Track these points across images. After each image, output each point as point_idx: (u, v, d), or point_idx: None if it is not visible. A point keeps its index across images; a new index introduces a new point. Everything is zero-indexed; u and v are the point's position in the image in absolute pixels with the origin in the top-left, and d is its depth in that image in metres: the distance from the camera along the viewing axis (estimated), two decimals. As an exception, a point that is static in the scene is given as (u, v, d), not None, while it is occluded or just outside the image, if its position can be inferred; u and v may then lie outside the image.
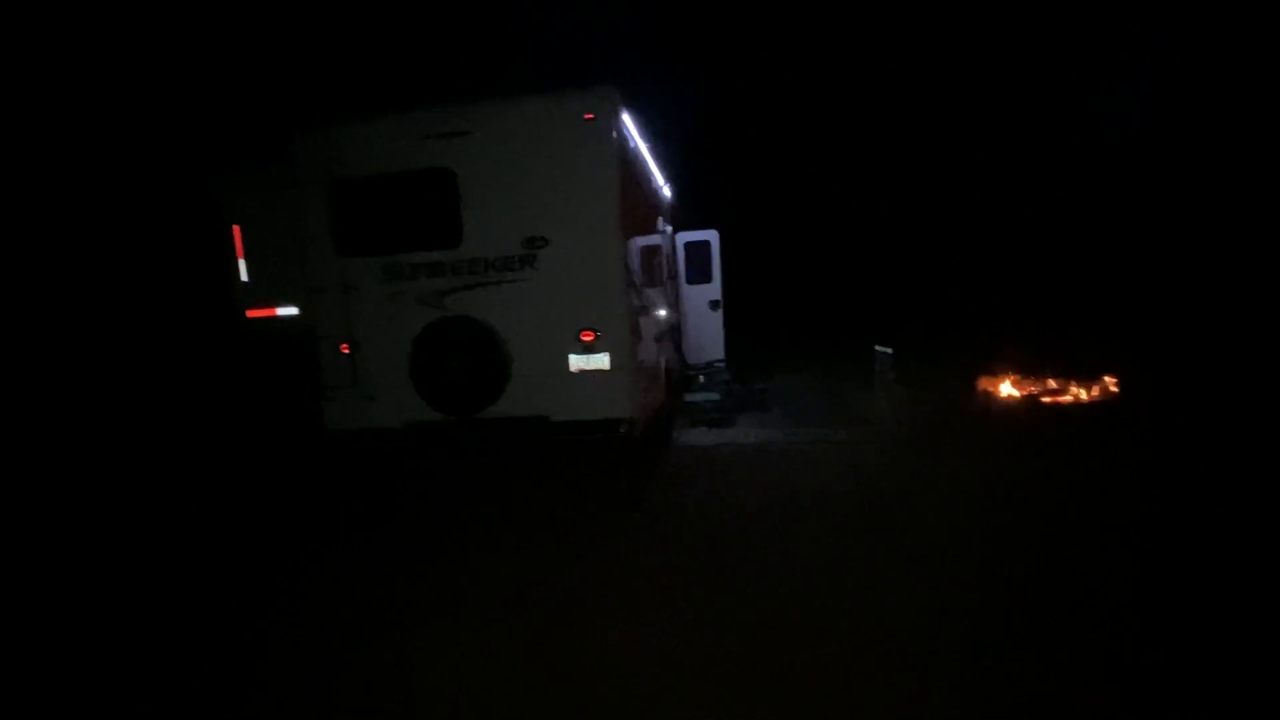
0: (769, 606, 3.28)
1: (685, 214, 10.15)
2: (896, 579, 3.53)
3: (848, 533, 4.25)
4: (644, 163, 6.69)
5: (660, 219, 8.06)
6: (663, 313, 7.38)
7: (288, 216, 5.46)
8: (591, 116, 4.91)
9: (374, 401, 5.39)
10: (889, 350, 8.33)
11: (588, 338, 5.13)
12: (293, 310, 5.60)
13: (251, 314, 5.78)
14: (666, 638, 3.01)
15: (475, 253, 5.18)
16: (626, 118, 5.39)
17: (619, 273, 5.12)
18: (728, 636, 2.99)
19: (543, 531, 4.66)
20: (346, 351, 5.39)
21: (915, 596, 3.28)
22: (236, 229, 5.71)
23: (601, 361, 5.12)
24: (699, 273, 9.98)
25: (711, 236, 10.02)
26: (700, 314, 9.83)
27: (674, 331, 8.65)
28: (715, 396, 7.98)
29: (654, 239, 7.36)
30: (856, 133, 19.70)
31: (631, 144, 5.84)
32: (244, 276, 5.76)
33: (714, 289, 9.96)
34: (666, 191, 8.76)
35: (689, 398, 8.00)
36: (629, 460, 6.00)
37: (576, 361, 5.14)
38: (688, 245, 9.93)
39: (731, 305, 10.26)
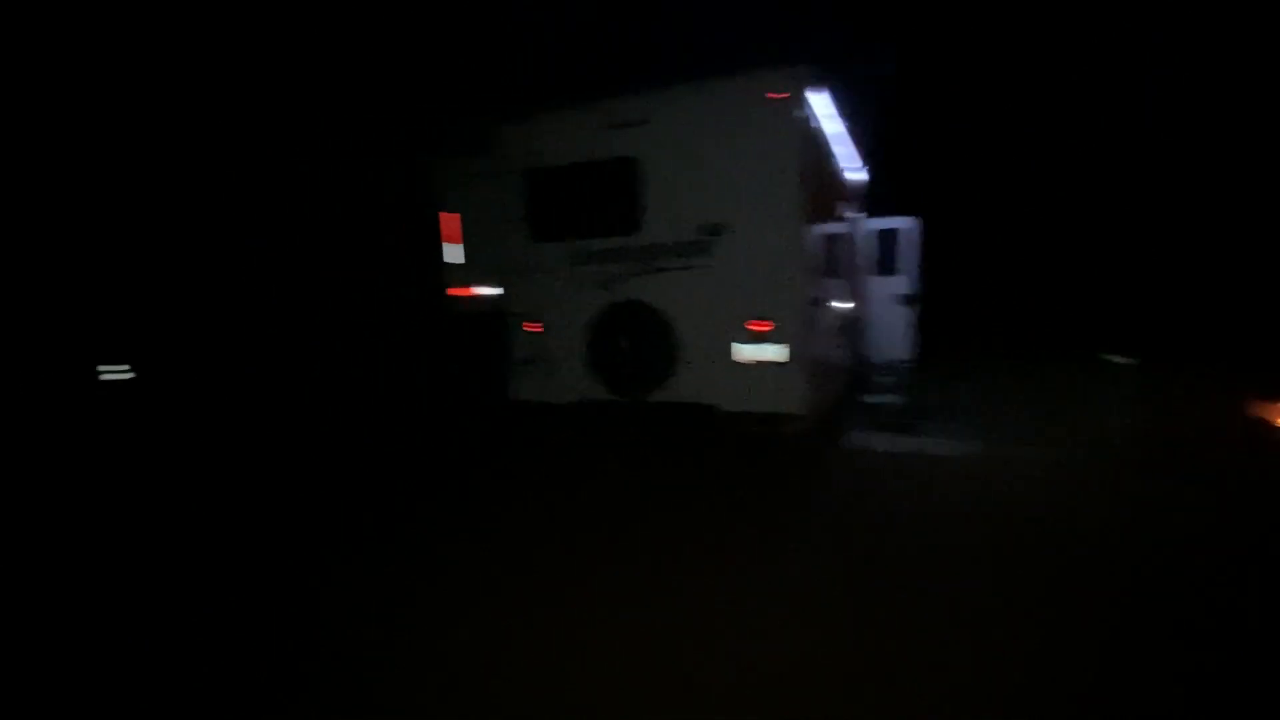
0: (933, 659, 2.84)
1: (881, 199, 9.39)
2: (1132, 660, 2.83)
3: (1054, 577, 3.58)
4: (833, 144, 6.28)
5: (848, 205, 7.53)
6: (843, 305, 6.90)
7: (490, 204, 6.01)
8: (778, 96, 4.68)
9: (554, 377, 5.77)
10: (1125, 359, 6.93)
11: (761, 328, 4.96)
12: (491, 290, 6.16)
13: (455, 293, 6.46)
14: (800, 664, 2.76)
15: (652, 239, 5.27)
16: (816, 96, 5.08)
17: (799, 262, 4.85)
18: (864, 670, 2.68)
19: (689, 519, 4.57)
20: (534, 330, 5.83)
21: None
22: (447, 216, 6.40)
23: (774, 353, 4.92)
24: (890, 264, 9.18)
25: (906, 224, 9.15)
26: (888, 308, 9.03)
27: (855, 326, 8.06)
28: (897, 399, 7.30)
29: (840, 226, 6.89)
30: (1092, 103, 16.46)
31: (820, 124, 5.50)
32: (452, 259, 6.45)
33: (906, 282, 9.09)
34: (859, 175, 8.15)
35: (868, 399, 7.40)
36: (793, 458, 5.72)
37: (747, 351, 5.00)
38: (878, 234, 9.18)
39: (929, 300, 9.29)
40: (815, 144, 5.39)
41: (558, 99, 5.76)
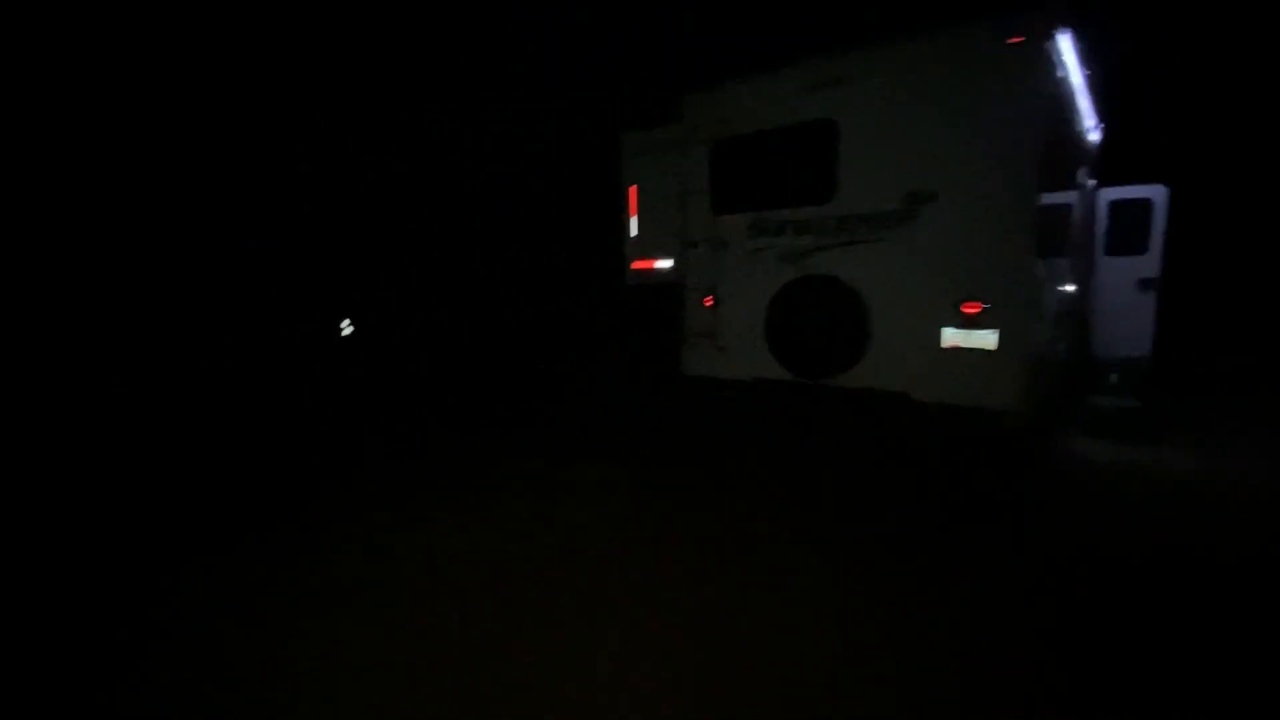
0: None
1: (1120, 162, 7.89)
2: None
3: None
4: (1073, 99, 5.33)
5: (1082, 171, 6.41)
6: (1068, 289, 5.91)
7: (673, 176, 5.97)
8: (1020, 40, 4.02)
9: (728, 353, 5.64)
10: None
11: (971, 310, 4.39)
12: (669, 263, 6.16)
13: (635, 265, 6.55)
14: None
15: (847, 209, 4.88)
16: (1063, 40, 4.30)
17: (1025, 236, 4.19)
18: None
19: (863, 515, 4.14)
20: (709, 304, 5.73)
21: None
22: (633, 187, 6.48)
23: (985, 339, 4.33)
24: (1127, 241, 7.70)
25: (1154, 194, 7.59)
26: (1122, 294, 7.62)
27: (1081, 314, 6.91)
28: (1129, 402, 6.14)
29: (1070, 196, 5.88)
30: None
31: (1063, 75, 4.67)
32: (634, 231, 6.54)
33: (1149, 263, 7.58)
34: (1094, 134, 6.90)
35: (1092, 399, 6.33)
36: (998, 462, 5.04)
37: (952, 336, 4.46)
38: (1114, 205, 7.74)
39: (1173, 286, 7.69)
40: (1057, 97, 4.61)
41: (750, 63, 5.50)
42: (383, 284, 10.72)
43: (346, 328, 10.30)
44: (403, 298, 10.69)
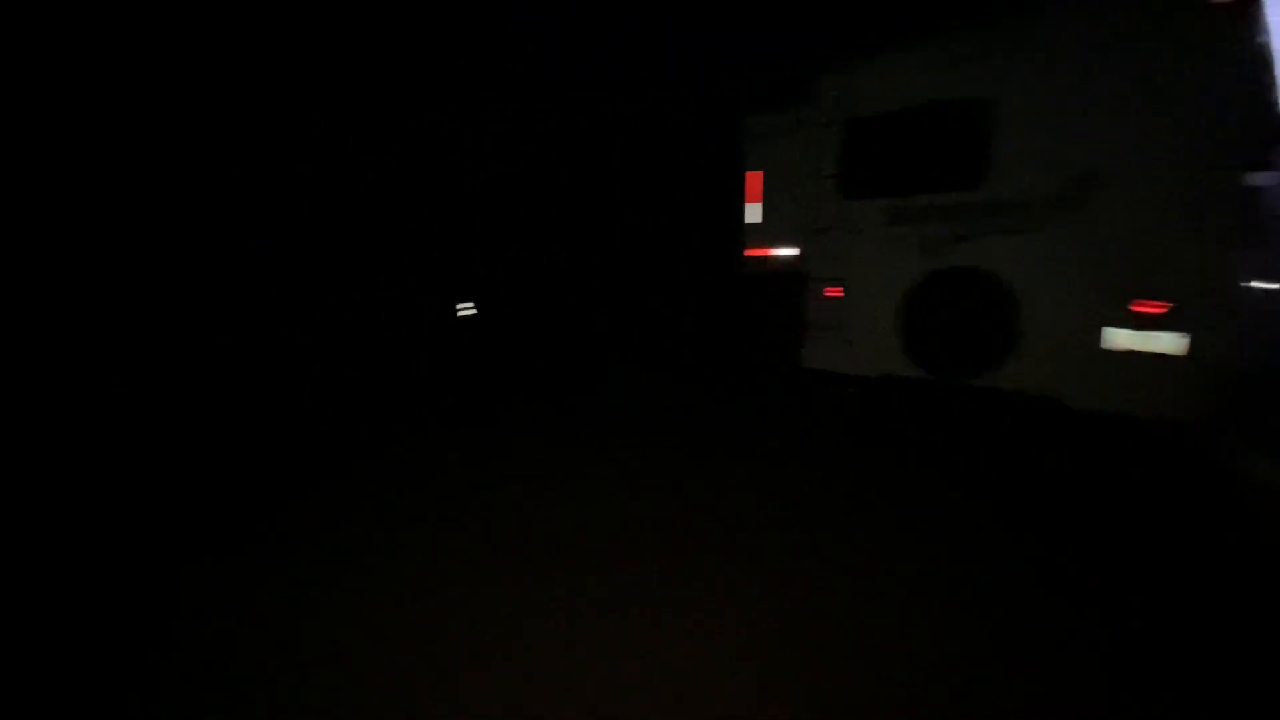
0: None
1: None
2: None
3: None
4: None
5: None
6: (1268, 285, 5.10)
7: (799, 160, 5.73)
8: (1227, 1, 3.46)
9: (855, 347, 5.37)
10: None
11: (1149, 309, 3.89)
12: (791, 251, 5.93)
13: (753, 253, 6.38)
14: None
15: (999, 194, 4.45)
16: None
17: (1222, 225, 3.64)
18: None
19: (1002, 545, 3.49)
20: (837, 295, 5.47)
21: None
22: (754, 172, 6.29)
23: (1168, 343, 3.82)
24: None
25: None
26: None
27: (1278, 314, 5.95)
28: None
29: (1269, 177, 5.06)
30: None
31: (1268, 40, 3.99)
32: (753, 218, 6.36)
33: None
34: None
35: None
36: (1176, 487, 4.42)
37: (1123, 338, 3.97)
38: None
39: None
40: (1264, 65, 3.94)
41: (888, 39, 5.14)
42: (508, 268, 11.17)
43: (466, 309, 10.85)
44: (526, 282, 11.10)
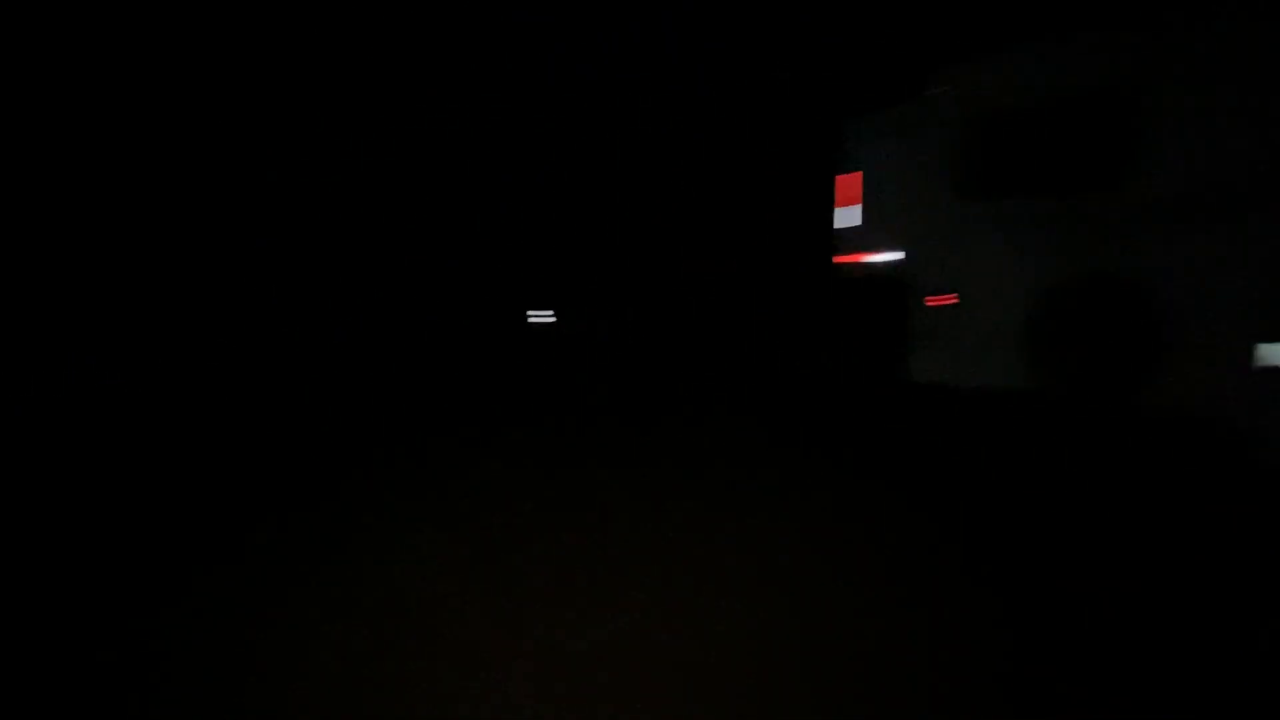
0: None
1: None
2: None
3: None
4: None
5: None
6: None
7: (908, 160, 5.45)
8: None
9: (971, 359, 5.04)
10: None
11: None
12: (898, 255, 5.65)
13: (853, 259, 6.11)
14: None
15: (1145, 195, 4.07)
16: None
17: None
18: None
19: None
20: (944, 302, 5.16)
21: None
22: (846, 177, 6.03)
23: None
24: None
25: None
26: None
27: None
28: None
29: None
30: None
31: None
32: (846, 222, 6.09)
33: None
34: None
35: None
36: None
37: (1294, 353, 3.55)
38: None
39: None
40: None
41: (1017, 32, 4.82)
42: (587, 276, 11.20)
43: (540, 316, 10.93)
44: (597, 289, 11.11)
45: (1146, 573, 2.71)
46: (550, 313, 10.71)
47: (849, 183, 6.21)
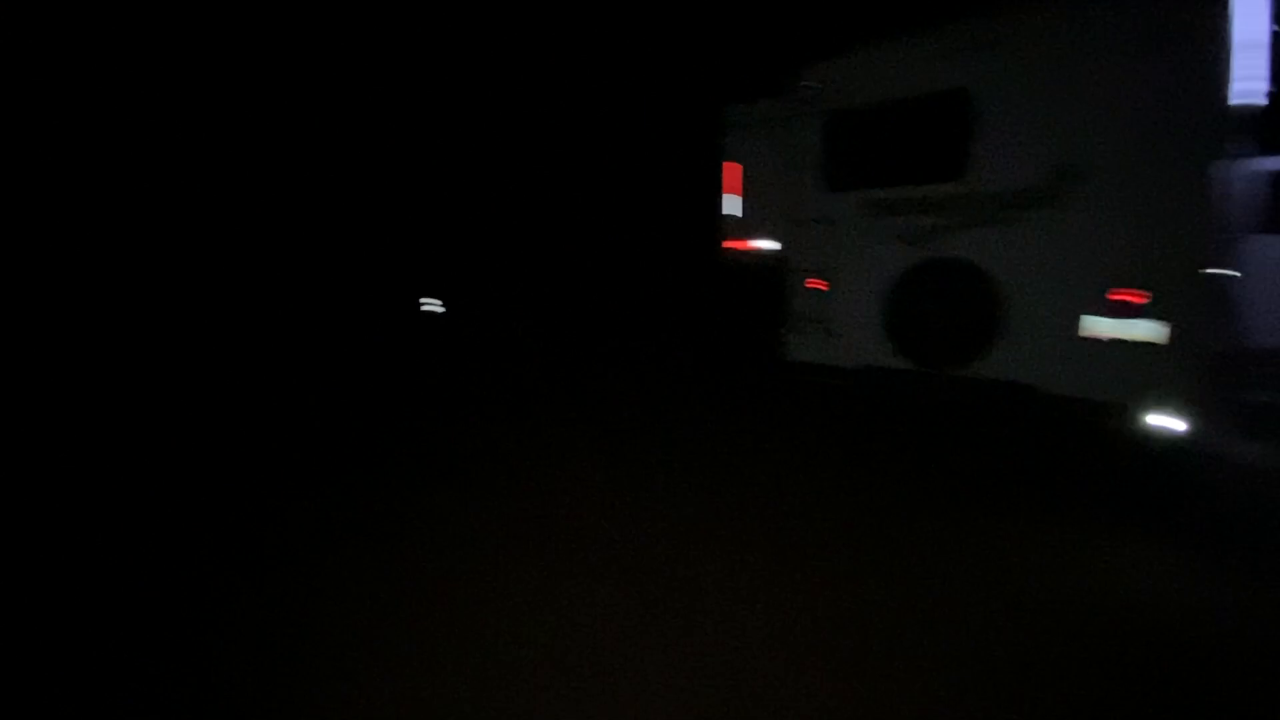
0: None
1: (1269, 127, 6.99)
2: None
3: None
4: (1256, 57, 4.71)
5: (1241, 140, 5.71)
6: (1232, 272, 5.31)
7: (780, 152, 5.68)
8: (1209, -11, 3.54)
9: (838, 339, 5.38)
10: None
11: (1129, 298, 3.98)
12: (771, 244, 5.91)
13: (732, 245, 6.33)
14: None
15: (982, 186, 4.50)
16: (1255, -15, 3.77)
17: (1201, 215, 3.74)
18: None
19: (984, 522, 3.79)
20: (819, 287, 5.47)
21: None
22: (730, 166, 6.22)
23: (1146, 331, 3.92)
24: (1282, 218, 6.86)
25: (1320, 164, 6.70)
26: (1275, 277, 6.82)
27: (1233, 298, 6.22)
28: (1289, 399, 5.49)
29: (1234, 167, 5.26)
30: None
31: (1246, 31, 4.12)
32: (731, 210, 6.30)
33: (1309, 242, 6.73)
34: (1257, 98, 6.11)
35: (1242, 395, 5.71)
36: (1142, 465, 4.59)
37: (1102, 326, 4.07)
38: (1274, 176, 6.89)
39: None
40: (1225, 61, 4.07)
41: (873, 30, 5.13)
42: (474, 266, 10.90)
43: (432, 305, 10.55)
44: (493, 281, 10.85)
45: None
46: (439, 302, 10.37)
47: (731, 172, 6.40)
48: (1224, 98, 3.75)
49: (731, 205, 6.42)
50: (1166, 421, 3.95)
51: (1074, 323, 4.18)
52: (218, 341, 8.42)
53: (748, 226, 6.23)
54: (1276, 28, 4.53)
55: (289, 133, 9.92)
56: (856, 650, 2.29)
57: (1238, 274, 5.50)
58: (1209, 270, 4.19)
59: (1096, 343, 4.11)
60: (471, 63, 10.80)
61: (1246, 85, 5.37)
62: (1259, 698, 2.31)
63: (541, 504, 3.42)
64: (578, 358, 8.40)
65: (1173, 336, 3.82)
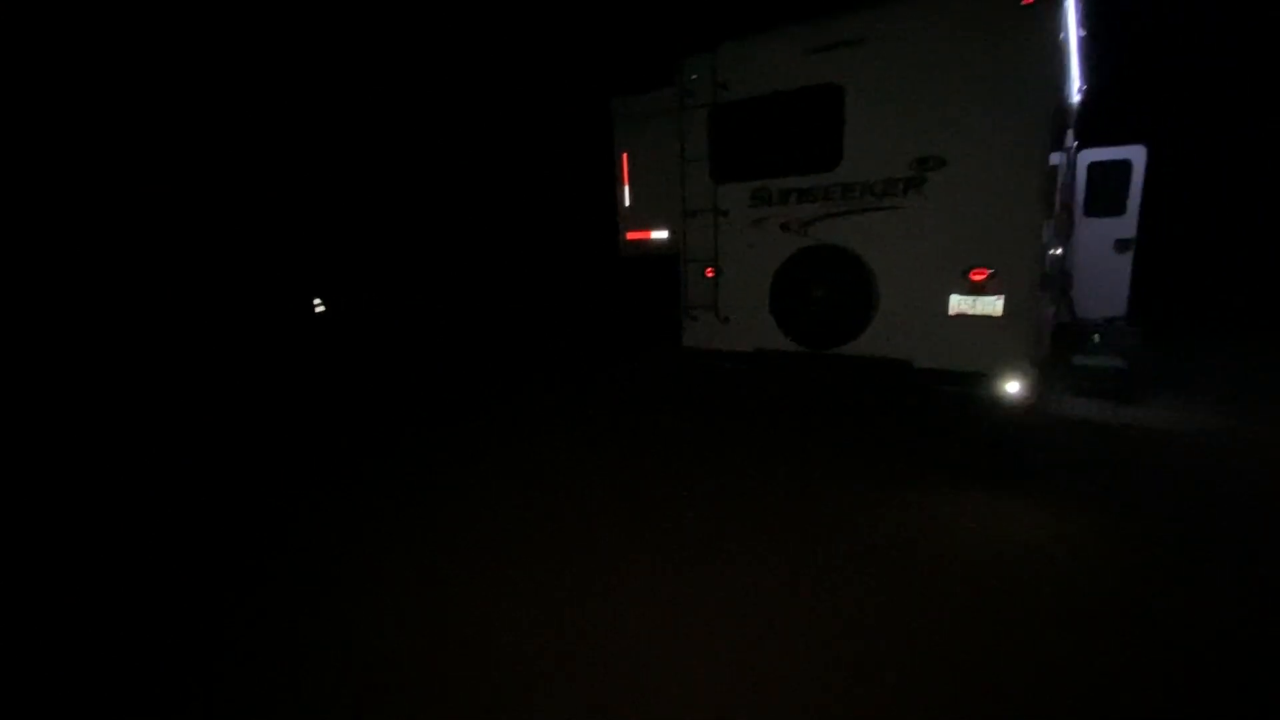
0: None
1: (1094, 123, 7.96)
2: None
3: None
4: (1069, 60, 5.31)
5: (1068, 132, 6.46)
6: (1057, 251, 6.01)
7: (669, 143, 5.78)
8: (1035, 1, 3.95)
9: (730, 325, 5.58)
10: None
11: (977, 277, 4.41)
12: (665, 234, 6.02)
13: (630, 236, 6.39)
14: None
15: (852, 176, 4.80)
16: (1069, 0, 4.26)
17: (1036, 199, 4.20)
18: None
19: (871, 482, 4.27)
20: (711, 275, 5.64)
21: None
22: (624, 155, 6.27)
23: (991, 305, 4.36)
24: (1105, 202, 7.84)
25: (1134, 155, 7.71)
26: (1100, 255, 7.79)
27: (1063, 276, 7.05)
28: (1118, 363, 6.33)
29: (1058, 157, 5.94)
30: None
31: (1065, 36, 4.64)
32: (627, 201, 6.36)
33: (1126, 224, 7.75)
34: (1078, 95, 6.93)
35: (1078, 360, 6.51)
36: (996, 424, 5.16)
37: (958, 303, 4.48)
38: (1094, 166, 7.85)
39: (1150, 248, 7.90)
40: (1061, 59, 4.58)
41: (750, 25, 5.31)
42: (362, 262, 10.33)
43: (318, 306, 9.90)
44: (382, 276, 10.32)
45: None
46: (319, 302, 9.77)
47: (624, 162, 6.44)
48: (1051, 95, 4.19)
49: (625, 196, 6.47)
50: (1015, 386, 4.42)
51: (940, 300, 4.57)
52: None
53: (644, 217, 6.31)
54: (1083, 33, 5.15)
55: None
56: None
57: (1060, 250, 6.21)
58: (1046, 250, 4.72)
59: (960, 319, 4.52)
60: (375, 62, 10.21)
61: (1071, 84, 6.06)
62: (1092, 620, 2.68)
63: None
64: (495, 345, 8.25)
65: (1012, 310, 4.26)
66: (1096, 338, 6.87)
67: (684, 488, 4.21)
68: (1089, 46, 6.06)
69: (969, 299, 4.46)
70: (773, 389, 5.80)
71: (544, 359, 7.32)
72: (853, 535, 3.48)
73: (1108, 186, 7.82)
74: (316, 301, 9.99)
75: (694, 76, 5.58)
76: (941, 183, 4.44)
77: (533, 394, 6.17)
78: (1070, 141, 6.69)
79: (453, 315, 10.23)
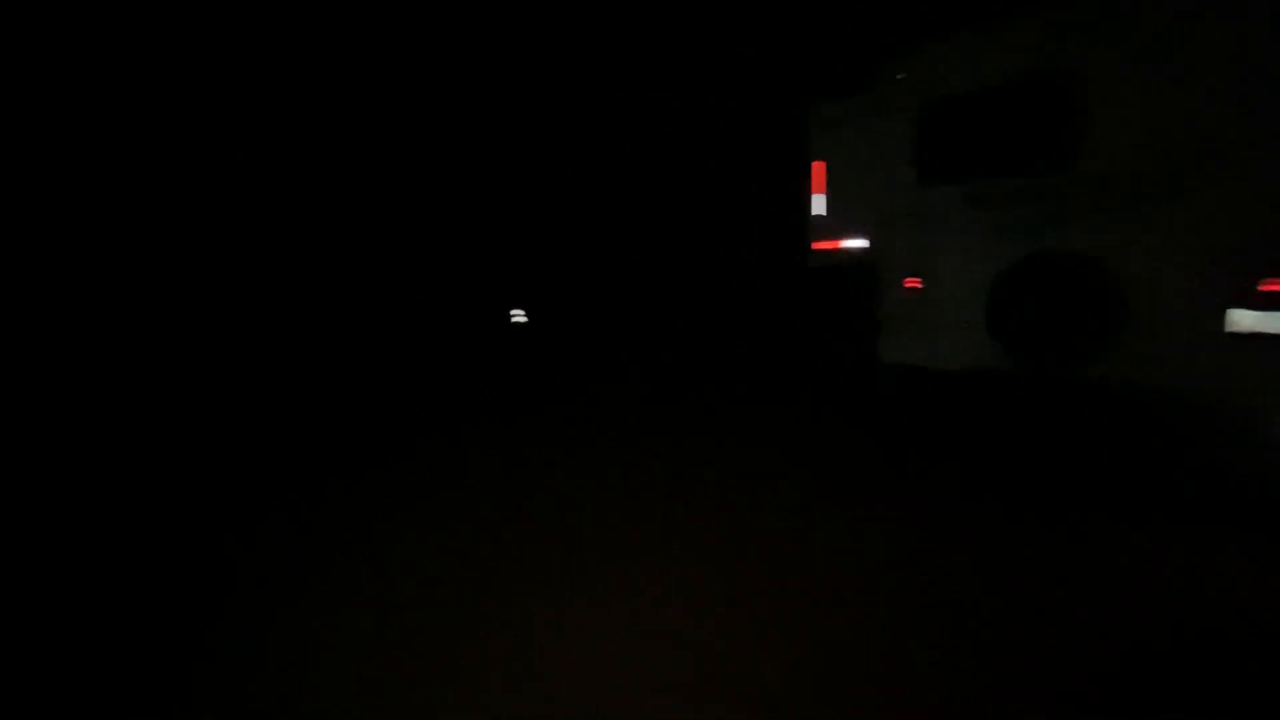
0: None
1: None
2: None
3: None
4: None
5: None
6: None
7: (869, 147, 5.54)
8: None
9: (937, 340, 5.16)
10: None
11: (1274, 288, 3.60)
12: (862, 242, 5.75)
13: (820, 246, 6.20)
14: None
15: (1094, 173, 4.20)
16: None
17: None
18: None
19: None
20: (913, 286, 5.28)
21: None
22: (819, 164, 6.11)
23: (1291, 321, 3.53)
24: None
25: None
26: None
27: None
28: None
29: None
30: None
31: None
32: (818, 210, 6.18)
33: None
34: None
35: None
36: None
37: (1250, 320, 3.69)
38: None
39: None
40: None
41: (962, 19, 4.92)
42: (562, 275, 11.21)
43: (518, 316, 10.93)
44: (574, 288, 11.12)
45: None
46: (522, 313, 10.72)
47: (818, 170, 6.28)
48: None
49: (819, 204, 6.30)
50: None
51: (1218, 314, 3.81)
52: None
53: (839, 225, 6.09)
54: None
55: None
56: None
57: None
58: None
59: (1246, 338, 3.74)
60: (553, 67, 11.10)
61: None
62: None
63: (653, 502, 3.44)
64: (676, 362, 8.42)
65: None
66: None
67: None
68: None
69: (1260, 315, 3.66)
70: (984, 413, 5.24)
71: (735, 374, 7.30)
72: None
73: None
74: (516, 312, 11.05)
75: (900, 76, 5.29)
76: (1222, 177, 3.71)
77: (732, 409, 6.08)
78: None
79: (638, 326, 10.66)
